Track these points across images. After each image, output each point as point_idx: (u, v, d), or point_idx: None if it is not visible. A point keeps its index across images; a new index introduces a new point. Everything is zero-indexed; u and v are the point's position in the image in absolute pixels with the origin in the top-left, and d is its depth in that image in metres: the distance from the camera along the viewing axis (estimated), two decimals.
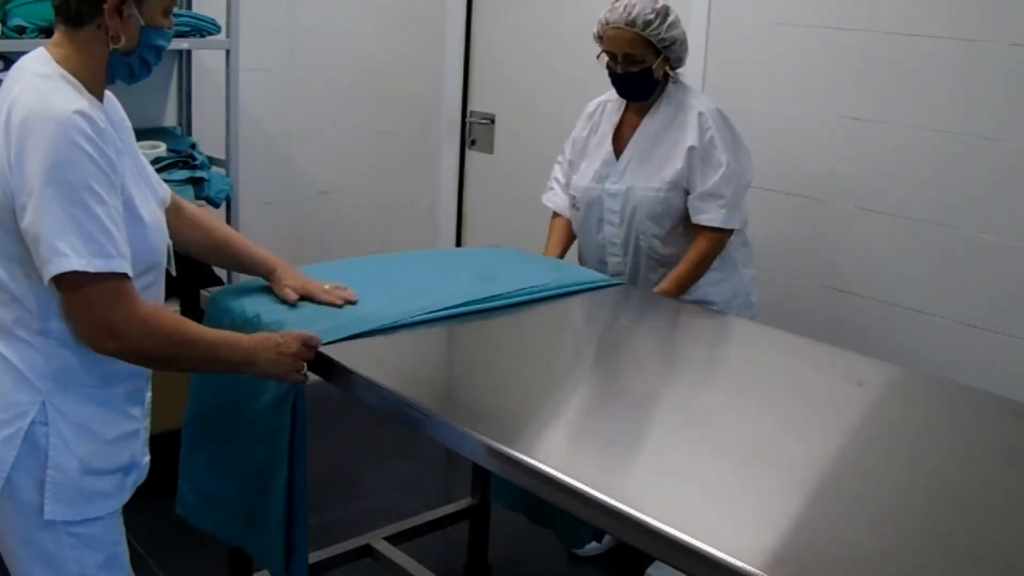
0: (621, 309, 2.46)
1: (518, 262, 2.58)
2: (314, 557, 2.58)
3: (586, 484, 1.45)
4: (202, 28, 3.26)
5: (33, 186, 1.49)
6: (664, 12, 2.56)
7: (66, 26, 1.62)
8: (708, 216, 2.62)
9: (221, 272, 3.51)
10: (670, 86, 2.68)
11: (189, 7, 3.45)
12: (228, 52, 3.34)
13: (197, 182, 3.26)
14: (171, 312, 1.72)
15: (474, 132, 4.34)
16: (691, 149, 2.61)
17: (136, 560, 2.84)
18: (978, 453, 1.72)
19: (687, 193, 2.65)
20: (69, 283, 1.52)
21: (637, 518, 1.38)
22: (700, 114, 2.62)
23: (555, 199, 2.95)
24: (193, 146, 3.42)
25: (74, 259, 1.49)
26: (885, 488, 1.55)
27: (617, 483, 1.49)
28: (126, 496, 1.73)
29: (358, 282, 2.20)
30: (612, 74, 2.64)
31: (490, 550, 2.93)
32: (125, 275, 1.55)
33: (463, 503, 2.90)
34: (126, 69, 1.68)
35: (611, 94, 2.78)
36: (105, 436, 1.66)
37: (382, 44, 4.13)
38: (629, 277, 2.76)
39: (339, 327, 1.97)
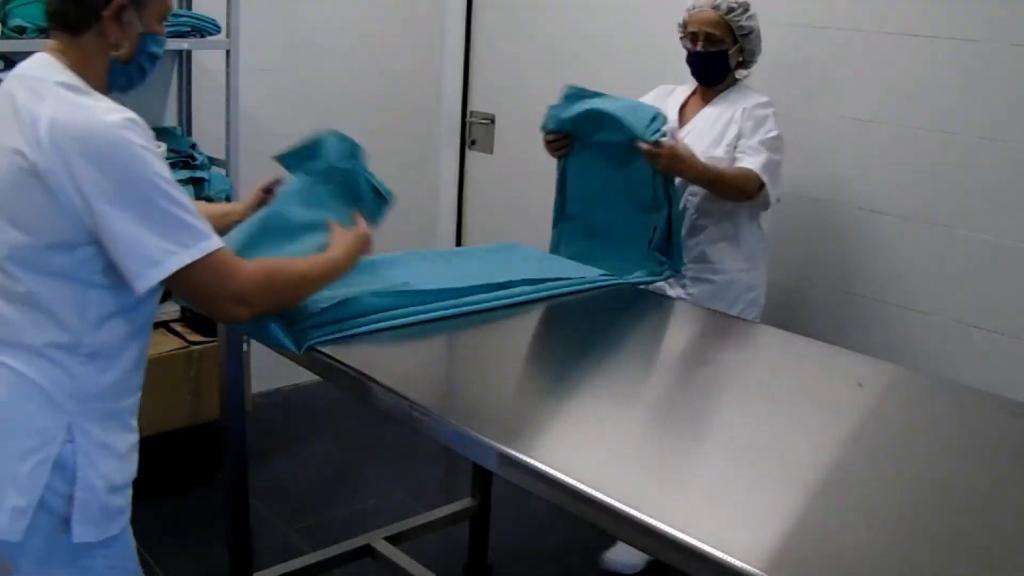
0: (622, 309, 2.46)
1: (519, 259, 2.60)
2: (314, 557, 2.59)
3: (586, 484, 1.46)
4: (202, 28, 3.26)
5: (111, 202, 1.49)
6: (746, 5, 2.80)
7: (65, 35, 1.58)
8: (748, 160, 2.75)
9: None
10: (734, 86, 2.88)
11: (189, 7, 3.45)
12: (228, 52, 3.34)
13: (197, 182, 3.27)
14: (267, 260, 1.82)
15: (474, 132, 4.34)
16: (745, 110, 2.80)
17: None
18: (979, 453, 1.72)
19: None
20: (181, 280, 1.54)
21: (637, 518, 1.38)
22: (758, 100, 2.82)
23: None
24: (193, 146, 3.42)
25: (172, 259, 1.52)
26: (885, 488, 1.55)
27: (617, 483, 1.48)
28: (130, 509, 1.71)
29: (360, 281, 2.19)
30: (690, 54, 2.84)
31: (490, 550, 2.93)
32: (221, 247, 1.59)
33: (463, 503, 2.90)
34: (125, 78, 1.66)
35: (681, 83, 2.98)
36: (120, 450, 1.64)
37: (382, 44, 4.13)
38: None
39: (339, 326, 1.97)
